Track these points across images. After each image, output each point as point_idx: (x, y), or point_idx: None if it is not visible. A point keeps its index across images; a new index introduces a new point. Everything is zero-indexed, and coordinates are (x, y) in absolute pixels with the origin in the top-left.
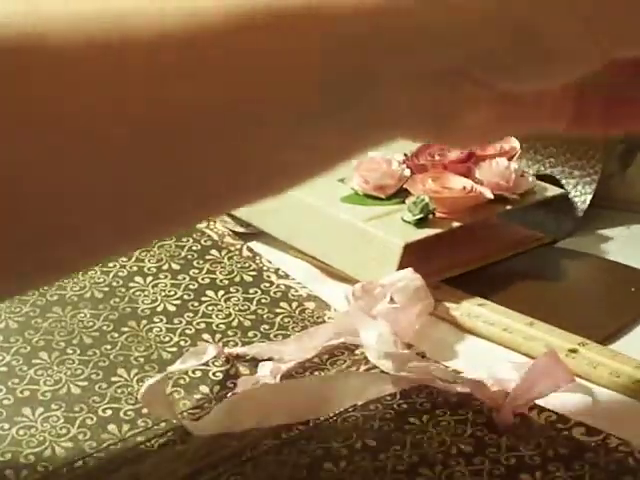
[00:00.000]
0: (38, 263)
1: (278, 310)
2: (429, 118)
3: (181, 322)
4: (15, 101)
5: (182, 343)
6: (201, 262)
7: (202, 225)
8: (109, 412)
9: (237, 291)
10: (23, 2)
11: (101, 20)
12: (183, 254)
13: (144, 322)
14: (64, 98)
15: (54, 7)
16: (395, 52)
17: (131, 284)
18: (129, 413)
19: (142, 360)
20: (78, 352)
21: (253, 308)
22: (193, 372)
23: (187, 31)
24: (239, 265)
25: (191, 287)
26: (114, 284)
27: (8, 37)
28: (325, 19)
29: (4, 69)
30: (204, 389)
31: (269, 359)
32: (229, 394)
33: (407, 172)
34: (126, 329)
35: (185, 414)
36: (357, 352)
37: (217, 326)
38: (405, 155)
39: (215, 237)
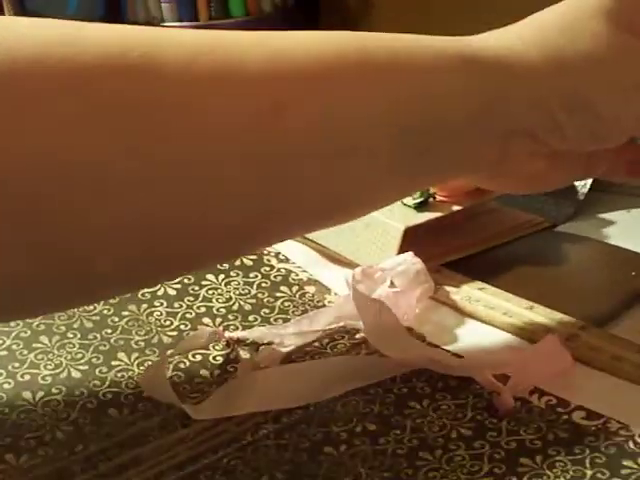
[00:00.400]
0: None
1: (278, 294)
2: (491, 167)
3: (181, 306)
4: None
5: (182, 327)
6: None
7: None
8: (109, 396)
9: (237, 275)
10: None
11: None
12: None
13: (144, 306)
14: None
15: (180, 38)
16: (471, 114)
17: None
18: (129, 397)
19: (142, 344)
20: (78, 336)
21: (253, 292)
22: (193, 356)
23: (279, 75)
24: None
25: None
26: None
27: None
28: (410, 74)
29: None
30: (204, 373)
31: (269, 343)
32: (229, 378)
33: None
34: (126, 313)
35: (185, 398)
36: (357, 336)
37: (217, 310)
38: None
39: None
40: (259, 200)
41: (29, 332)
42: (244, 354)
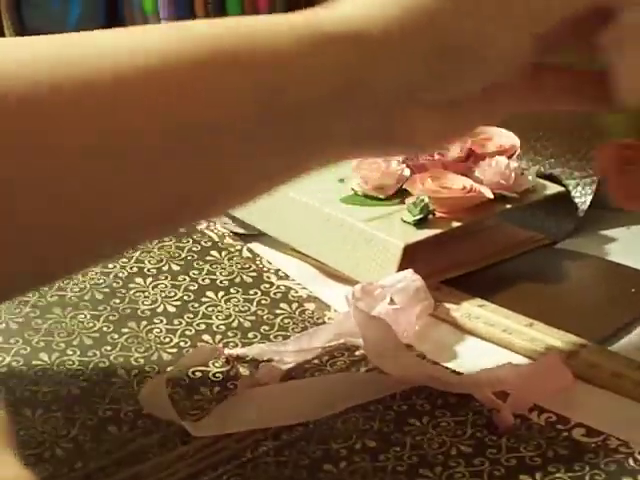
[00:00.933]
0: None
1: (278, 311)
2: (381, 140)
3: (181, 323)
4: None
5: (182, 344)
6: (201, 263)
7: (202, 226)
8: (109, 413)
9: (237, 292)
10: None
11: (56, 64)
12: (183, 255)
13: (144, 323)
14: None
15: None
16: (335, 90)
17: (131, 285)
18: (129, 414)
19: (142, 361)
20: (78, 353)
21: (253, 309)
22: (193, 373)
23: (139, 69)
24: (239, 266)
25: (191, 288)
26: (114, 285)
27: None
28: (267, 59)
29: None
30: (204, 390)
31: (269, 360)
32: (229, 395)
33: (407, 172)
34: (126, 330)
35: (185, 415)
36: (357, 353)
37: (217, 327)
38: None
39: (215, 238)
40: (116, 203)
41: (29, 349)
42: (244, 371)
